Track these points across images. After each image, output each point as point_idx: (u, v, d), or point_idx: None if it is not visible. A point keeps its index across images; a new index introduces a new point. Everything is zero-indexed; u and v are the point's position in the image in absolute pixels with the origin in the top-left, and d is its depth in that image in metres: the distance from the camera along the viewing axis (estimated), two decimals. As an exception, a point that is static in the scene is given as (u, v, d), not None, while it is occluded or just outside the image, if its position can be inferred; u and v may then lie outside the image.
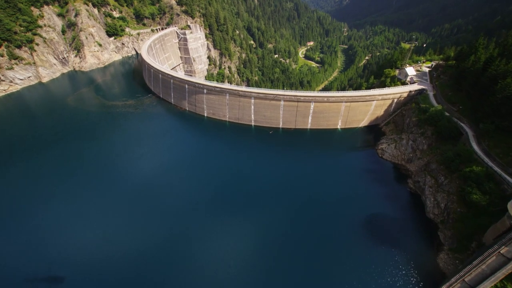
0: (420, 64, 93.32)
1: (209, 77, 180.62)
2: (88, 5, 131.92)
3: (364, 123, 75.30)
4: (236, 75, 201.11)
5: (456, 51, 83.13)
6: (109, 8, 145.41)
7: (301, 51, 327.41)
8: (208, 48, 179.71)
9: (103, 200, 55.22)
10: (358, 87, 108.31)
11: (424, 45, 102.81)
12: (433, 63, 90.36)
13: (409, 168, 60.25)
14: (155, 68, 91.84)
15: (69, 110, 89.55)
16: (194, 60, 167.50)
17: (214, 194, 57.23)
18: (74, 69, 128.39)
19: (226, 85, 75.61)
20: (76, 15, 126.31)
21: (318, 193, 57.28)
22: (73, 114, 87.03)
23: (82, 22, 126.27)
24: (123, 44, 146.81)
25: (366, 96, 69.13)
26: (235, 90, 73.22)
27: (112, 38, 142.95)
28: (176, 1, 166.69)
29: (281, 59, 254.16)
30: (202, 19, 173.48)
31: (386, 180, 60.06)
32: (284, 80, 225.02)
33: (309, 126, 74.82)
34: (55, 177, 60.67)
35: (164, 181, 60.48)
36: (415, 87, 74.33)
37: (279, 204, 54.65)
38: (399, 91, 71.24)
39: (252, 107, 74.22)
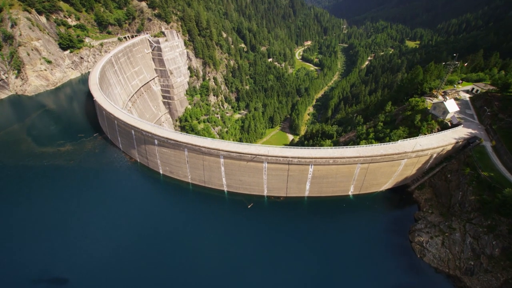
0: (456, 88, 69.22)
1: (190, 90, 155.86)
2: (30, 12, 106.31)
3: (386, 186, 51.74)
4: (223, 86, 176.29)
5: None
6: (62, 15, 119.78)
7: (298, 52, 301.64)
8: (188, 57, 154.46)
9: None
10: (371, 113, 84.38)
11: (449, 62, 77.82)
12: (475, 87, 66.27)
13: (470, 286, 36.89)
14: (98, 102, 67.60)
15: (-21, 163, 65.49)
16: (171, 73, 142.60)
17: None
18: (16, 93, 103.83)
19: (184, 137, 51.41)
20: (12, 26, 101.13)
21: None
22: (-18, 170, 63.04)
23: (21, 35, 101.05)
24: (81, 58, 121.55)
25: (393, 154, 45.34)
26: (196, 145, 49.07)
27: (67, 52, 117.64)
28: (147, 4, 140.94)
29: (276, 63, 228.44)
30: (179, 23, 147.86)
31: (434, 309, 36.80)
32: (279, 88, 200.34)
33: (307, 194, 51.19)
34: None
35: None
36: (462, 132, 50.50)
37: None
38: (441, 144, 47.38)
39: (222, 168, 50.34)
